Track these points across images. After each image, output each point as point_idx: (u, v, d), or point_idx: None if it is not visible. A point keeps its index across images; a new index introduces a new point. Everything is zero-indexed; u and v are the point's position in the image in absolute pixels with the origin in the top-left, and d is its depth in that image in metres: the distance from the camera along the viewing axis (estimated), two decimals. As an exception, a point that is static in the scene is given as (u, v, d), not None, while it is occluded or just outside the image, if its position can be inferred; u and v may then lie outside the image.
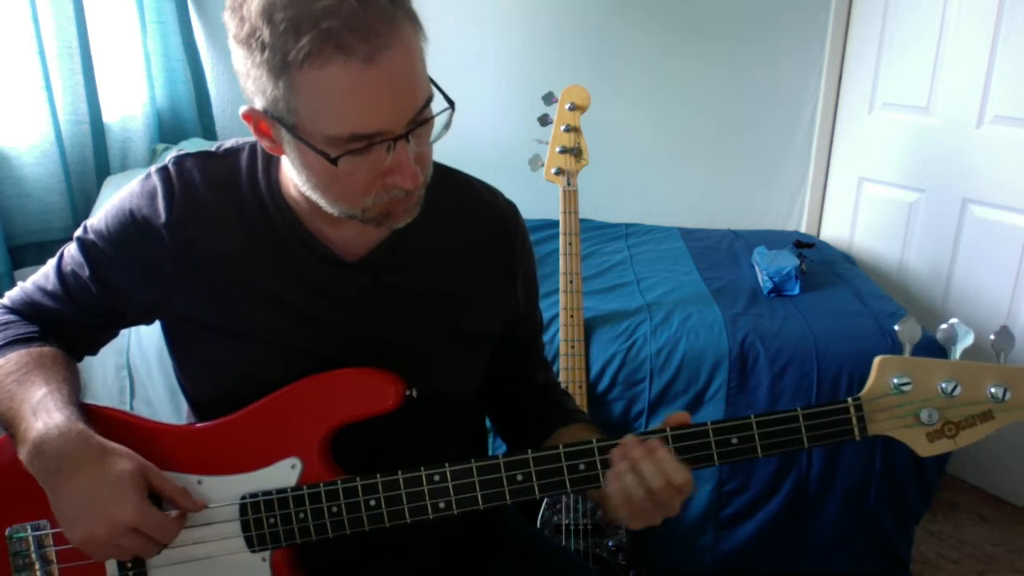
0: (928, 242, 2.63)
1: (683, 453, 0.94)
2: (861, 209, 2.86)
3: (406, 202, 0.92)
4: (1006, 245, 2.39)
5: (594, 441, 0.95)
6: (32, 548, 0.98)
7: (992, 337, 0.92)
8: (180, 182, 1.00)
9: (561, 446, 0.95)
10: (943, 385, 0.92)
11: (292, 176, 0.94)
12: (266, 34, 0.80)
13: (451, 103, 0.90)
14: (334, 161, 0.84)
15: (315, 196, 0.92)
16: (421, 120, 0.87)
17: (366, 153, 0.85)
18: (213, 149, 1.05)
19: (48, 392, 0.94)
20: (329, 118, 0.83)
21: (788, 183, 3.00)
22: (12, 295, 1.09)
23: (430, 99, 0.88)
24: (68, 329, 1.06)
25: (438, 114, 0.90)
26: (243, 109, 0.89)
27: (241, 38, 0.83)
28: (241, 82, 0.87)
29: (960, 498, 2.49)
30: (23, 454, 0.90)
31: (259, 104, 0.86)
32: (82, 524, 0.88)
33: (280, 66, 0.81)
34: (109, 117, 2.38)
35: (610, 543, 1.81)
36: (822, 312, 2.09)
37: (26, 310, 1.07)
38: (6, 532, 0.98)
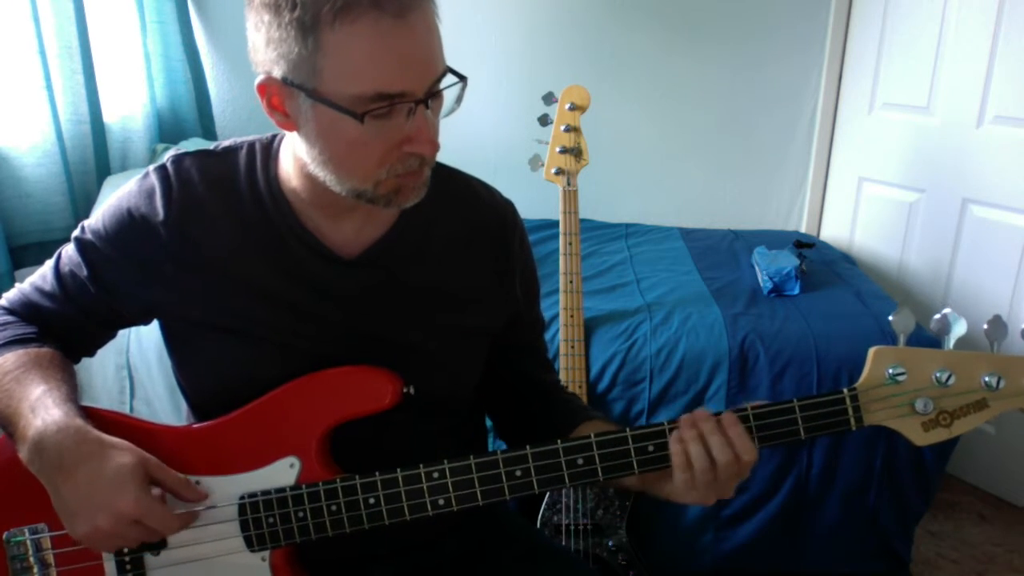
0: (928, 242, 2.63)
1: None
2: (861, 209, 2.86)
3: (417, 177, 0.93)
4: (1006, 245, 2.39)
5: (592, 436, 0.95)
6: (30, 551, 0.98)
7: (985, 326, 0.93)
8: (178, 181, 1.00)
9: (559, 441, 0.95)
10: (937, 374, 0.92)
11: (302, 154, 0.94)
12: None
13: (462, 77, 0.92)
14: (361, 118, 0.85)
15: (325, 172, 0.92)
16: (438, 90, 0.89)
17: (387, 117, 0.86)
18: (211, 148, 1.05)
19: (47, 390, 0.94)
20: (355, 76, 0.84)
21: (788, 183, 3.00)
22: (10, 296, 1.09)
23: (446, 72, 0.90)
24: (66, 330, 1.05)
25: (449, 86, 0.91)
26: (260, 79, 0.89)
27: (268, 1, 0.84)
28: (259, 54, 0.88)
29: (960, 498, 2.49)
30: (23, 452, 0.90)
31: (278, 72, 0.87)
32: (85, 518, 0.88)
33: (311, 23, 0.82)
34: (109, 117, 2.38)
35: (610, 543, 1.81)
36: (822, 312, 2.09)
37: (24, 311, 1.07)
38: (3, 536, 0.98)
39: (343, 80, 0.84)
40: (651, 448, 0.94)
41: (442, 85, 0.90)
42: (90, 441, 0.89)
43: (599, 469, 0.95)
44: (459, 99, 0.93)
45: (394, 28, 0.82)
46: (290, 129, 0.93)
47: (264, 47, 0.87)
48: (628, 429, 0.95)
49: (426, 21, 0.85)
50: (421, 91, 0.86)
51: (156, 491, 0.92)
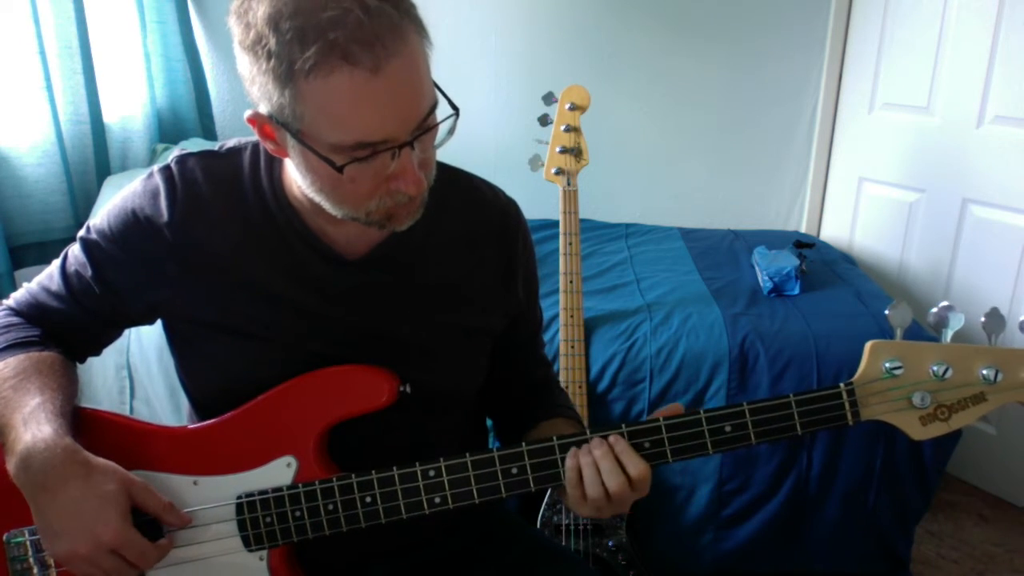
0: (928, 242, 2.62)
1: (677, 442, 0.94)
2: (861, 209, 2.86)
3: (409, 206, 0.93)
4: (1006, 245, 2.39)
5: (588, 431, 0.95)
6: (30, 553, 0.98)
7: (983, 319, 0.92)
8: (182, 181, 1.00)
9: (555, 438, 0.96)
10: (935, 368, 0.92)
11: (296, 179, 0.94)
12: (272, 42, 0.80)
13: (456, 109, 0.90)
14: (340, 169, 0.85)
15: (319, 199, 0.92)
16: (426, 127, 0.87)
17: (371, 160, 0.85)
18: (216, 148, 1.05)
19: (41, 402, 0.93)
20: (334, 127, 0.83)
21: (788, 183, 3.00)
22: (17, 296, 1.09)
23: (435, 106, 0.88)
24: (72, 329, 1.06)
25: (443, 121, 0.90)
26: (248, 113, 0.89)
27: (247, 44, 0.83)
28: (246, 86, 0.87)
29: (960, 498, 2.49)
30: (11, 466, 0.90)
31: (264, 109, 0.87)
32: (64, 541, 0.88)
33: (286, 75, 0.81)
34: (109, 117, 2.38)
35: (610, 543, 1.81)
36: (822, 312, 2.09)
37: (31, 311, 1.07)
38: (4, 537, 0.98)
39: (323, 128, 0.84)
40: (647, 445, 0.95)
41: (436, 116, 0.89)
42: (77, 463, 0.89)
43: None
44: (452, 130, 0.92)
45: (370, 81, 0.80)
46: (283, 156, 0.93)
47: (250, 83, 0.86)
48: (624, 425, 0.95)
49: (407, 64, 0.83)
50: (405, 134, 0.85)
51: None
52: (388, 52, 0.80)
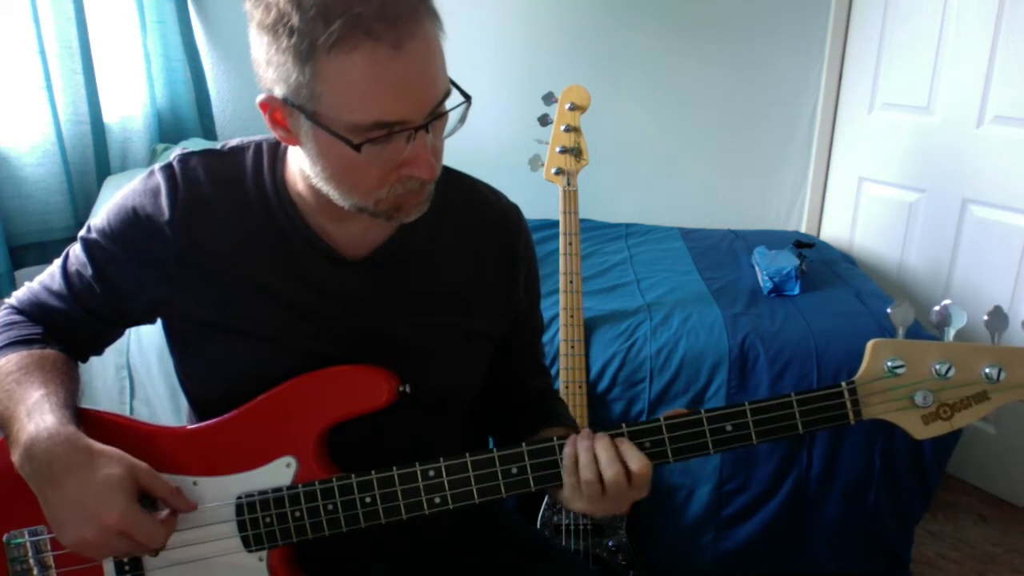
0: (928, 242, 2.62)
1: (678, 442, 0.94)
2: (861, 209, 2.86)
3: (418, 196, 0.93)
4: (1006, 245, 2.39)
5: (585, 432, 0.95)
6: (30, 554, 0.98)
7: (985, 317, 0.92)
8: (184, 180, 1.00)
9: (555, 438, 0.96)
10: (937, 367, 0.91)
11: (304, 168, 0.94)
12: (295, 19, 0.81)
13: (467, 97, 0.91)
14: (357, 148, 0.85)
15: (327, 188, 0.92)
16: (439, 113, 0.88)
17: (386, 142, 0.86)
18: (218, 147, 1.05)
19: (44, 394, 0.93)
20: (353, 105, 0.84)
21: (788, 183, 3.00)
22: (19, 295, 1.09)
23: (448, 93, 0.89)
24: (74, 329, 1.05)
25: (453, 108, 0.91)
26: (260, 97, 0.89)
27: (267, 24, 0.83)
28: (260, 71, 0.88)
29: (960, 498, 2.49)
30: (15, 456, 0.90)
31: (279, 92, 0.87)
32: (72, 527, 0.88)
33: (307, 51, 0.82)
34: (109, 117, 2.38)
35: (610, 543, 1.81)
36: (822, 312, 2.09)
37: (32, 310, 1.07)
38: (3, 538, 0.98)
39: (341, 107, 0.84)
40: (648, 444, 0.95)
41: (446, 104, 0.90)
42: (80, 449, 0.89)
43: None
44: (463, 119, 0.93)
45: (391, 58, 0.82)
46: (293, 144, 0.93)
47: (265, 66, 0.87)
48: (625, 425, 0.95)
49: (426, 46, 0.84)
50: (420, 117, 0.86)
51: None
52: (408, 31, 0.82)
